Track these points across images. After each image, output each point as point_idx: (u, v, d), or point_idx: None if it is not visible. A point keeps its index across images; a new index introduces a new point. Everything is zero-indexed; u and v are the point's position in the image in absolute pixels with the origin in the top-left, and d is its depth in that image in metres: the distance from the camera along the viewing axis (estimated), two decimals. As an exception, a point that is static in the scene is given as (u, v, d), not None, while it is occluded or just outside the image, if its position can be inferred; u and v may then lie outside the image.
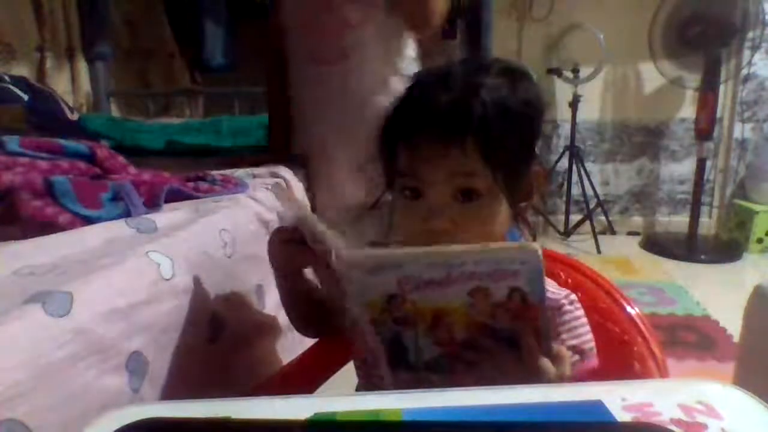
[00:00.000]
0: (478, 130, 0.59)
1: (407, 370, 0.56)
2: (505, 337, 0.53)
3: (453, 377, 0.56)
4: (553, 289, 0.63)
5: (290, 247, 0.64)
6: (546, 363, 0.53)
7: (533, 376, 0.53)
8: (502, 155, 0.60)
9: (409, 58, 1.30)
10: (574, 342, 0.61)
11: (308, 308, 0.74)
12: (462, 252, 0.50)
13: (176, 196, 0.98)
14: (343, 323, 0.74)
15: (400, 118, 0.64)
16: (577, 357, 0.61)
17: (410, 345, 0.55)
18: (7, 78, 1.52)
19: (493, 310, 0.51)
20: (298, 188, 1.29)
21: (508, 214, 0.65)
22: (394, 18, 1.21)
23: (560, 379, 0.54)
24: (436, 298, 0.51)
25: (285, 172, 1.30)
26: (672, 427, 0.35)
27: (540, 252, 0.47)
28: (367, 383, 0.70)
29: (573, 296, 0.66)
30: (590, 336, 0.64)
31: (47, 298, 0.53)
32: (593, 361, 0.63)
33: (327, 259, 0.57)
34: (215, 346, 0.79)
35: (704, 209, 3.06)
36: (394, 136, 0.64)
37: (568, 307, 0.64)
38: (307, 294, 0.71)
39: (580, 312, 0.65)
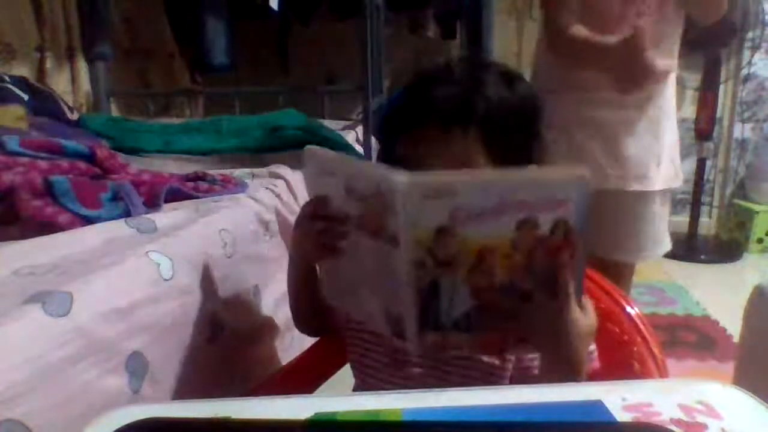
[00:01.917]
0: (481, 120, 0.61)
1: (435, 330, 0.57)
2: (543, 280, 0.54)
3: (479, 337, 0.57)
4: None
5: (311, 226, 0.62)
6: (577, 311, 0.54)
7: (564, 326, 0.53)
8: (503, 147, 0.62)
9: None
10: None
11: (311, 303, 0.74)
12: (516, 178, 0.52)
13: (176, 196, 0.98)
14: (340, 322, 0.74)
15: (403, 109, 0.65)
16: None
17: (445, 297, 0.55)
18: (7, 78, 1.51)
19: (534, 249, 0.52)
20: (299, 187, 1.29)
21: None
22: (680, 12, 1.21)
23: (590, 331, 0.55)
24: (484, 232, 0.51)
25: (285, 171, 1.30)
26: (672, 427, 0.35)
27: (589, 178, 0.49)
28: (363, 384, 0.71)
29: None
30: None
31: (47, 298, 0.53)
32: (593, 364, 0.63)
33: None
34: (215, 346, 0.79)
35: (704, 209, 3.06)
36: (396, 127, 0.64)
37: None
38: (314, 287, 0.71)
39: None
